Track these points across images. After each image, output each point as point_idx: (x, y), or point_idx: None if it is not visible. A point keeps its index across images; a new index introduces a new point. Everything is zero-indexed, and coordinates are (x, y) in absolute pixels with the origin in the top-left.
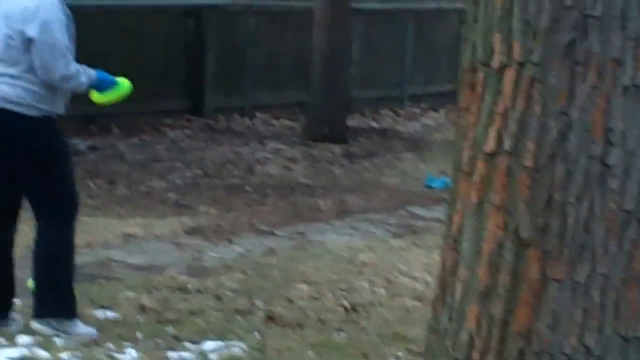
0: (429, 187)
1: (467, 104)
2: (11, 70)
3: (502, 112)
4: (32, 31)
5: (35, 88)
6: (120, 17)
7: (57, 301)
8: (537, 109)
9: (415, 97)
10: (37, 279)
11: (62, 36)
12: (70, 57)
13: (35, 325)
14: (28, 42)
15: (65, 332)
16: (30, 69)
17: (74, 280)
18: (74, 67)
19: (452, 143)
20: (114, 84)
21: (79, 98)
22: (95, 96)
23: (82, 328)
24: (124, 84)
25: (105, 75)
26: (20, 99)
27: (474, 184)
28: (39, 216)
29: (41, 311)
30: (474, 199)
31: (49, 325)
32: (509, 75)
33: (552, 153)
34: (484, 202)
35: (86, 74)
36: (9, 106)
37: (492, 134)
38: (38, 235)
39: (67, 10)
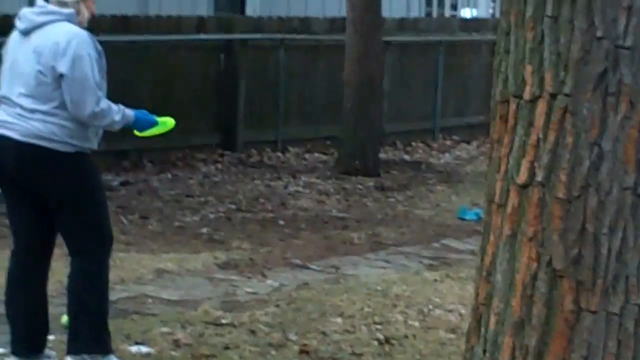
0: (462, 219)
1: (499, 136)
2: (43, 107)
3: (534, 143)
4: (63, 67)
5: (68, 124)
6: (152, 52)
7: (91, 337)
8: (569, 140)
9: (447, 129)
10: (71, 315)
11: (92, 72)
12: (101, 94)
13: None
14: (59, 78)
15: None
16: (62, 105)
17: (109, 315)
18: (105, 104)
19: (485, 175)
20: (155, 124)
21: (112, 134)
22: (137, 132)
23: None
24: (167, 123)
25: (146, 115)
26: (53, 135)
27: (506, 216)
28: (73, 251)
29: (75, 347)
30: (507, 230)
31: None
32: (541, 107)
33: (584, 184)
34: (517, 234)
35: (120, 111)
36: (42, 142)
37: (525, 165)
38: (72, 271)
39: (99, 46)
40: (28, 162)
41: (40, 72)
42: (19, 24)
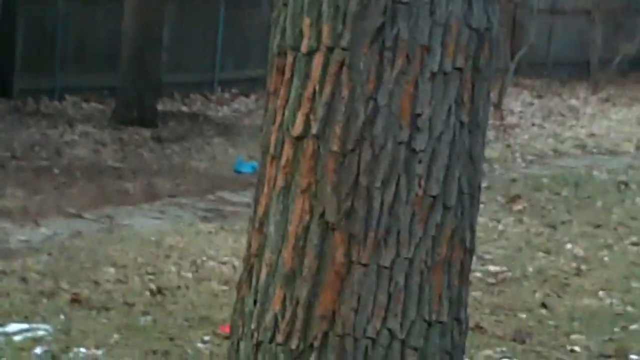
0: (238, 172)
1: (276, 88)
2: None
3: (310, 96)
4: None
5: None
6: None
7: None
8: (345, 93)
9: (227, 82)
10: None
11: None
12: None
13: None
14: None
15: None
16: None
17: None
18: None
19: (261, 127)
20: None
21: None
22: None
23: None
24: None
25: None
26: None
27: (281, 167)
28: None
29: None
30: (280, 182)
31: None
32: (318, 60)
33: (359, 138)
34: (291, 186)
35: None
36: None
37: (300, 117)
38: None
39: None
40: None
41: None
42: None
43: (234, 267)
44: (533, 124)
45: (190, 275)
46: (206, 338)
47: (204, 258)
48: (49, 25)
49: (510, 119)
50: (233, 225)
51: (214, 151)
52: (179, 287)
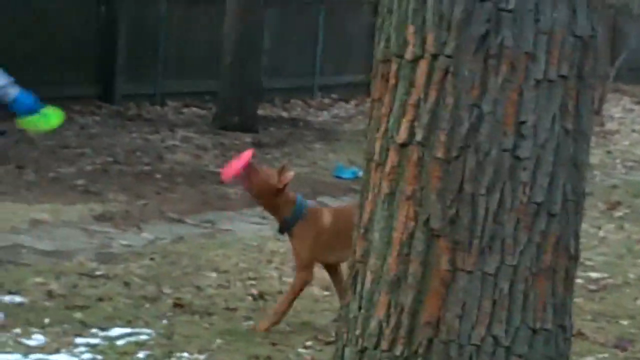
0: (338, 177)
1: (380, 95)
2: None
3: (415, 103)
4: None
5: None
6: (31, 1)
7: None
8: (450, 100)
9: (327, 88)
10: None
11: None
12: None
13: None
14: None
15: None
16: None
17: None
18: None
19: (363, 133)
20: (33, 110)
21: None
22: (19, 120)
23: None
24: (52, 117)
25: (30, 99)
26: None
27: (385, 174)
28: None
29: None
30: (385, 189)
31: None
32: (422, 67)
33: (463, 145)
34: (396, 192)
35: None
36: None
37: (405, 124)
38: None
39: None
40: None
41: None
42: None
43: None
44: (633, 130)
45: (291, 280)
46: (308, 343)
47: None
48: (150, 30)
49: (610, 125)
50: None
51: (314, 156)
52: (280, 292)
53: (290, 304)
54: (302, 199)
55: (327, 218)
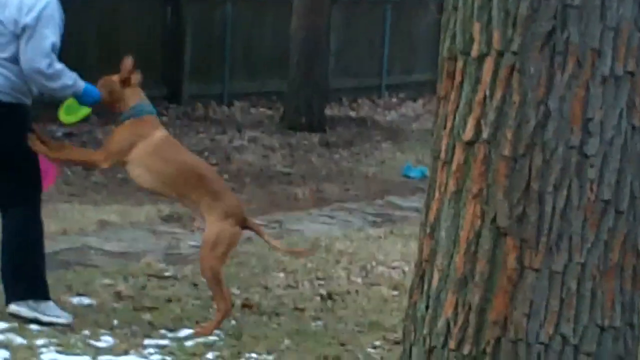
0: (407, 176)
1: (446, 93)
2: None
3: (481, 100)
4: (27, 19)
5: (13, 77)
6: (98, 4)
7: (32, 284)
8: (516, 98)
9: (394, 87)
10: (10, 265)
11: (52, 34)
12: (55, 56)
13: (13, 307)
14: (21, 31)
15: (43, 313)
16: (12, 59)
17: (47, 266)
18: (61, 66)
19: (430, 132)
20: (97, 100)
21: None
22: (64, 116)
23: (58, 310)
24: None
25: (93, 88)
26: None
27: (452, 172)
28: (7, 204)
29: (17, 294)
30: (451, 187)
31: (27, 306)
32: (488, 64)
33: (530, 142)
34: (462, 191)
35: (74, 77)
36: None
37: (471, 122)
38: (9, 223)
39: (62, 14)
40: None
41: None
42: None
43: (403, 272)
44: None
45: (359, 280)
46: (377, 343)
47: (374, 263)
48: (217, 31)
49: None
50: (402, 230)
51: (382, 156)
52: (348, 292)
53: None
54: (149, 107)
55: (158, 134)
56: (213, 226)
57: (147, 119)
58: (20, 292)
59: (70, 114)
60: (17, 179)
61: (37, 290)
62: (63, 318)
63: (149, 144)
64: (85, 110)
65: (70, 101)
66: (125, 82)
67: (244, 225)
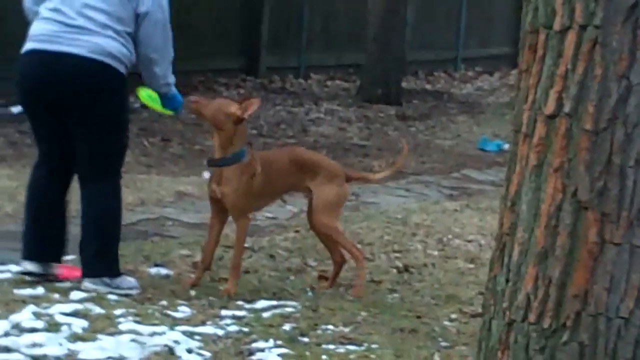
0: (483, 150)
1: (528, 66)
2: (117, 27)
3: (563, 74)
4: (146, 6)
5: (130, 49)
6: None
7: (110, 259)
8: (598, 71)
9: (470, 60)
10: (90, 237)
11: (169, 21)
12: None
13: (89, 285)
14: (140, 15)
15: (118, 287)
16: (131, 34)
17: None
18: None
19: (507, 106)
20: (176, 109)
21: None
22: (144, 93)
23: (130, 282)
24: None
25: (179, 98)
26: (120, 55)
27: (533, 146)
28: (93, 173)
29: (94, 271)
30: (533, 160)
31: (102, 283)
32: (570, 38)
33: (612, 116)
34: (543, 164)
35: (174, 79)
36: (109, 60)
37: (553, 96)
38: (95, 194)
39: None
40: (87, 80)
41: None
42: None
43: (479, 245)
44: None
45: (436, 253)
46: (453, 316)
47: (450, 236)
48: (295, 3)
49: None
50: (478, 204)
51: (458, 129)
52: (425, 265)
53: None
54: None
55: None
56: (323, 191)
57: (249, 162)
58: (98, 269)
59: (152, 98)
60: (113, 147)
61: (112, 267)
62: (135, 289)
63: (257, 181)
64: (161, 108)
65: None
66: (240, 121)
67: (348, 179)
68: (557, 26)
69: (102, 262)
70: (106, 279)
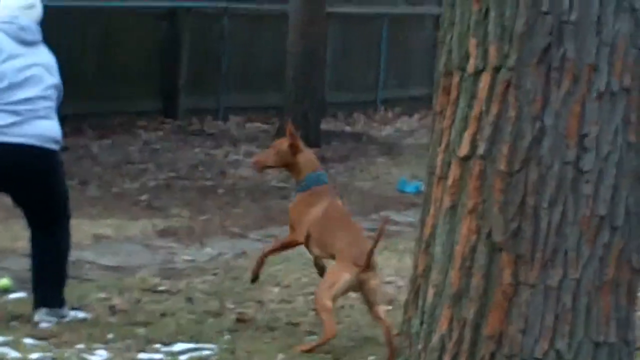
0: (402, 191)
1: (442, 108)
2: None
3: (477, 116)
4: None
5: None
6: (94, 18)
7: (61, 292)
8: (512, 113)
9: (389, 101)
10: (47, 275)
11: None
12: None
13: (41, 316)
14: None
15: (64, 317)
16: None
17: None
18: None
19: (426, 147)
20: None
21: None
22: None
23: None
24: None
25: None
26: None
27: (447, 188)
28: (47, 223)
29: (49, 302)
30: (447, 202)
31: (55, 314)
32: (484, 80)
33: (526, 158)
34: (457, 206)
35: None
36: (54, 146)
37: (467, 138)
38: (50, 240)
39: None
40: (43, 167)
41: (55, 84)
42: (24, 34)
43: (397, 287)
44: None
45: (354, 295)
46: (371, 358)
47: None
48: (213, 45)
49: None
50: (397, 245)
51: (377, 171)
52: (342, 307)
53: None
54: (321, 176)
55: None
56: (337, 268)
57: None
58: (53, 301)
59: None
60: (59, 207)
61: (63, 298)
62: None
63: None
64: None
65: None
66: (295, 149)
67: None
68: (470, 68)
69: (55, 295)
70: (58, 310)
